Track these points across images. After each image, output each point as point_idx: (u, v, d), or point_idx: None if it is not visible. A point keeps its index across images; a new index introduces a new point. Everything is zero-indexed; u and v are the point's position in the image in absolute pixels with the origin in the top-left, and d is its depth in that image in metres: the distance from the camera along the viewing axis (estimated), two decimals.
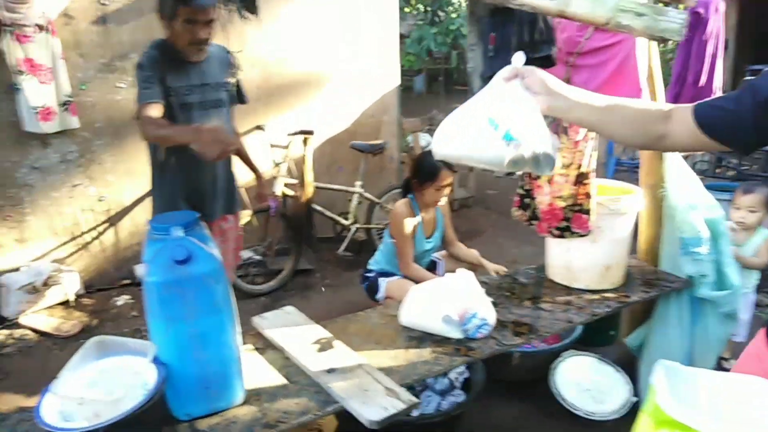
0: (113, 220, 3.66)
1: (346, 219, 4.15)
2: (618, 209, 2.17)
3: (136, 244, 3.78)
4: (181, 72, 2.10)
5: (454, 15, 13.37)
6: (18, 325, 3.27)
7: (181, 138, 1.87)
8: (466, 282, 1.98)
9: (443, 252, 3.17)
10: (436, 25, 13.02)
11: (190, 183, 2.22)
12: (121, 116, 3.49)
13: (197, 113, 2.14)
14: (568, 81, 2.04)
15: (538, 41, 1.87)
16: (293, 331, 1.95)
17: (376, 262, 3.06)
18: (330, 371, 1.65)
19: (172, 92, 2.06)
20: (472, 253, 2.96)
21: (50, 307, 3.42)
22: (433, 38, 12.75)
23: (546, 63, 1.90)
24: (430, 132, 5.38)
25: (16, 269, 3.40)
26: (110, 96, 3.43)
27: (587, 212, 2.13)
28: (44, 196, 3.39)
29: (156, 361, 1.45)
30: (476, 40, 1.93)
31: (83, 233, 3.59)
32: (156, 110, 1.97)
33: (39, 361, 3.04)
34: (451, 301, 1.93)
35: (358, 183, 4.10)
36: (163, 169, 2.20)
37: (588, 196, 2.13)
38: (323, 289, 3.88)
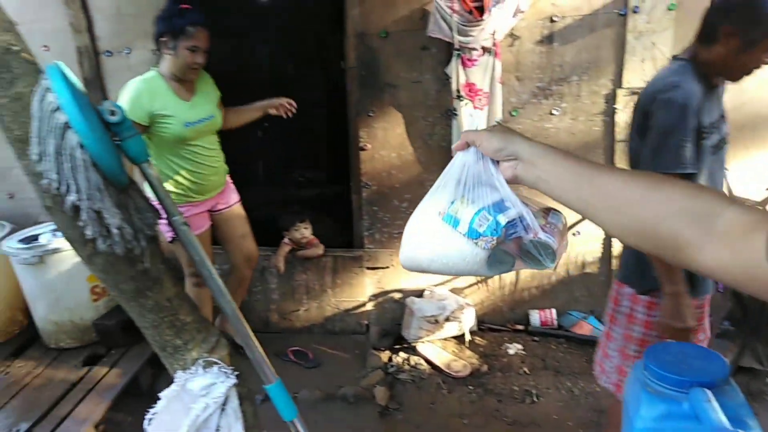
0: None
1: None
2: None
3: (535, 288, 3.37)
4: (711, 101, 1.57)
5: None
6: (414, 351, 3.23)
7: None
8: None
9: None
10: None
11: None
12: None
13: (710, 159, 1.58)
14: None
15: None
16: None
17: None
18: None
19: (705, 134, 1.53)
20: None
21: (445, 339, 3.30)
22: None
23: None
24: None
25: (420, 292, 3.40)
26: (540, 124, 3.04)
27: None
28: None
29: None
30: None
31: None
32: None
33: (428, 397, 2.90)
34: None
35: None
36: None
37: None
38: None
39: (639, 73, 2.87)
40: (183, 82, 2.55)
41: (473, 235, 0.83)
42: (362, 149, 3.16)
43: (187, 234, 1.11)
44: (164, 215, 1.11)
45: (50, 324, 3.13)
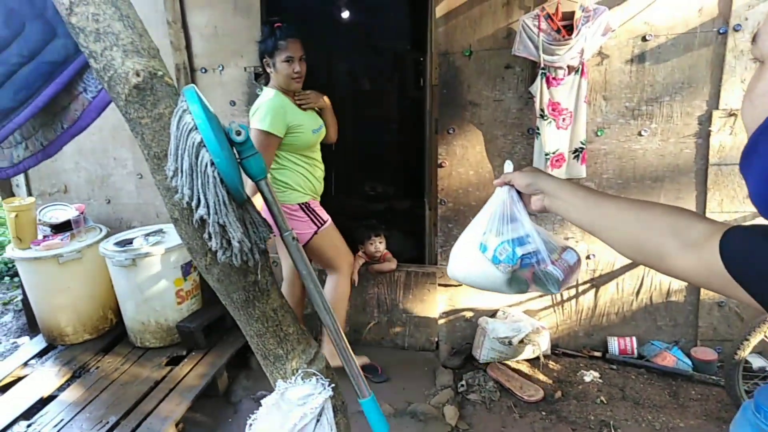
0: (597, 282, 3.21)
1: None
2: None
3: (614, 314, 3.24)
4: None
5: None
6: (485, 371, 3.18)
7: None
8: None
9: None
10: None
11: None
12: (634, 168, 2.97)
13: None
14: None
15: None
16: None
17: None
18: None
19: None
20: None
21: (517, 362, 3.23)
22: None
23: None
24: None
25: (493, 312, 3.35)
26: (627, 144, 2.94)
27: None
28: None
29: None
30: None
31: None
32: None
33: (499, 420, 2.83)
34: None
35: None
36: None
37: None
38: None
39: (738, 94, 2.73)
40: (291, 94, 2.72)
41: (495, 260, 1.06)
42: (440, 166, 3.17)
43: (298, 248, 1.15)
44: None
45: (137, 323, 3.31)
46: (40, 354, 3.43)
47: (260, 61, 2.70)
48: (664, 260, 0.81)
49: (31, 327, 3.78)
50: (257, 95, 3.27)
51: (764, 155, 0.49)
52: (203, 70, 3.31)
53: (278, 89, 2.67)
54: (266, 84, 2.76)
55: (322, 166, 2.92)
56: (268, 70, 2.67)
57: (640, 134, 2.91)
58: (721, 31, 2.70)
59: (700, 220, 0.80)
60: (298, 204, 2.77)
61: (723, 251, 0.71)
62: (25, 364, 3.31)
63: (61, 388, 3.03)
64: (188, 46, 3.27)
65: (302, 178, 2.77)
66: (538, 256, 1.06)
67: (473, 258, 1.10)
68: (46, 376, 3.12)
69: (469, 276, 1.13)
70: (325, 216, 2.88)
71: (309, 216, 2.80)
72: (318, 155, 2.88)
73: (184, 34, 3.24)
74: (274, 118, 2.53)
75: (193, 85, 1.01)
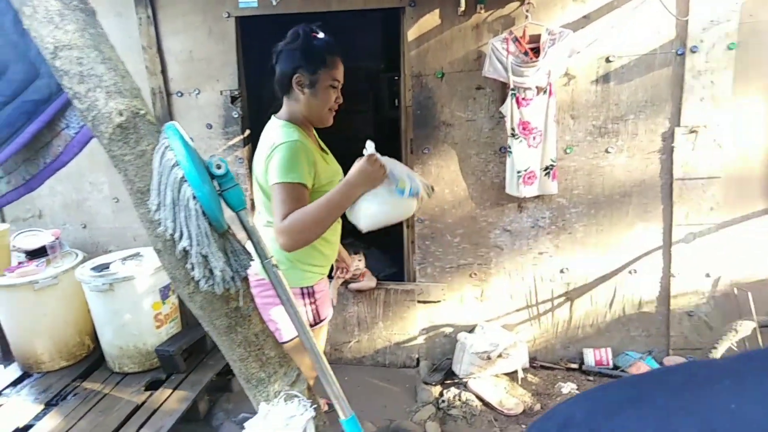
0: (571, 295, 3.29)
1: None
2: None
3: (590, 326, 3.33)
4: None
5: None
6: (465, 386, 3.22)
7: None
8: None
9: None
10: None
11: None
12: (602, 184, 3.07)
13: None
14: None
15: None
16: None
17: None
18: None
19: None
20: None
21: (496, 376, 3.28)
22: None
23: None
24: None
25: (472, 328, 3.41)
26: (595, 161, 3.05)
27: None
28: (510, 259, 3.28)
29: None
30: None
31: (538, 303, 3.34)
32: None
33: None
34: None
35: None
36: None
37: None
38: None
39: (698, 112, 2.86)
40: (310, 132, 1.98)
41: (411, 193, 1.70)
42: None
43: (277, 275, 1.19)
44: None
45: (115, 349, 3.28)
46: (15, 383, 3.36)
47: (289, 75, 1.83)
48: None
49: (5, 355, 3.71)
50: (233, 118, 3.31)
51: None
52: (179, 94, 3.33)
53: (297, 122, 1.88)
54: (275, 112, 1.97)
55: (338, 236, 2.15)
56: (297, 90, 1.84)
57: (607, 151, 3.02)
58: (679, 53, 2.83)
59: None
60: (300, 287, 1.98)
61: None
62: None
63: (38, 417, 2.97)
64: (164, 71, 3.29)
65: (319, 247, 1.99)
66: (413, 182, 1.71)
67: (393, 202, 1.70)
68: (22, 406, 3.06)
69: (391, 216, 1.74)
70: (326, 304, 2.14)
71: (310, 304, 2.03)
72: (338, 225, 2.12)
73: (160, 59, 3.26)
74: (302, 165, 1.72)
75: (174, 122, 1.05)
